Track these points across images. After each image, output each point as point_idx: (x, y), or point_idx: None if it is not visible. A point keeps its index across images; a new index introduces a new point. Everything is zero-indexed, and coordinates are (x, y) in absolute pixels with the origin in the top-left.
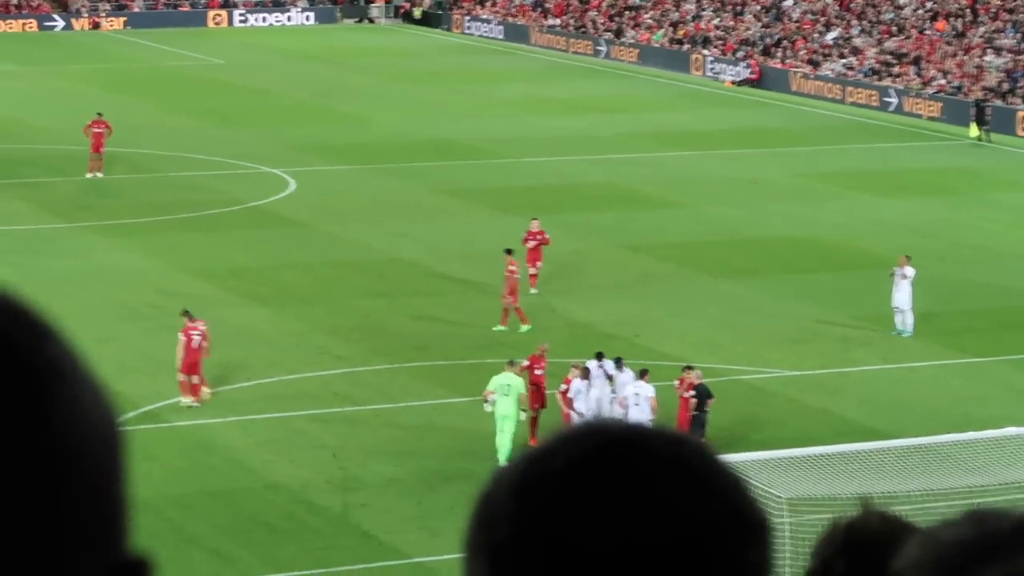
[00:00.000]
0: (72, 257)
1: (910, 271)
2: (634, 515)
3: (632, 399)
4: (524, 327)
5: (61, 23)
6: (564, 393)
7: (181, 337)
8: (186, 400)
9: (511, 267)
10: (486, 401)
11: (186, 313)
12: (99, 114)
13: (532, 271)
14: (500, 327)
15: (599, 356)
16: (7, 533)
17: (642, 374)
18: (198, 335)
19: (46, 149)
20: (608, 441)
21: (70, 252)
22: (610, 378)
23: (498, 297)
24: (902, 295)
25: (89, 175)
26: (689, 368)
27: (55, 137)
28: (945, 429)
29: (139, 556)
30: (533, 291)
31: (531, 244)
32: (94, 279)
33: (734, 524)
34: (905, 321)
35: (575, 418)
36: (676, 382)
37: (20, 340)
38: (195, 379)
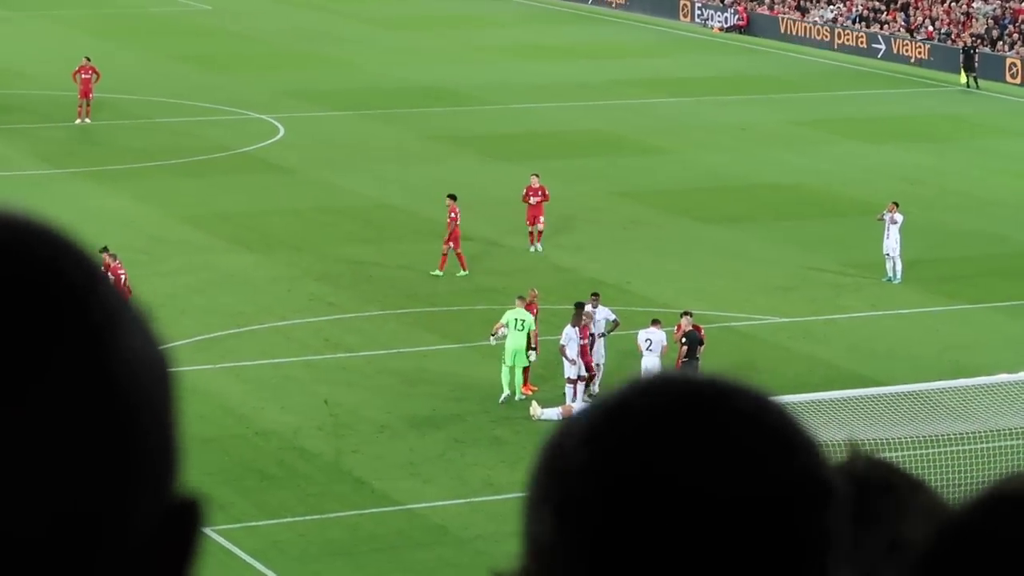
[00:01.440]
0: (61, 203)
1: (899, 217)
2: (715, 472)
3: (644, 344)
4: (461, 272)
5: None
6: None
7: (109, 277)
8: None
9: (453, 212)
10: (493, 335)
11: (105, 249)
12: (87, 59)
13: (531, 229)
14: (437, 272)
15: (594, 297)
16: (71, 474)
17: (654, 322)
18: (123, 274)
19: (34, 95)
20: (688, 392)
21: (59, 198)
22: (586, 316)
23: (486, 244)
24: (891, 242)
25: (78, 121)
26: (687, 314)
27: (43, 83)
28: (934, 376)
29: (192, 496)
30: (532, 248)
31: (533, 201)
32: (83, 225)
33: (813, 488)
34: (895, 268)
35: (567, 365)
36: (675, 328)
37: (78, 283)
38: None
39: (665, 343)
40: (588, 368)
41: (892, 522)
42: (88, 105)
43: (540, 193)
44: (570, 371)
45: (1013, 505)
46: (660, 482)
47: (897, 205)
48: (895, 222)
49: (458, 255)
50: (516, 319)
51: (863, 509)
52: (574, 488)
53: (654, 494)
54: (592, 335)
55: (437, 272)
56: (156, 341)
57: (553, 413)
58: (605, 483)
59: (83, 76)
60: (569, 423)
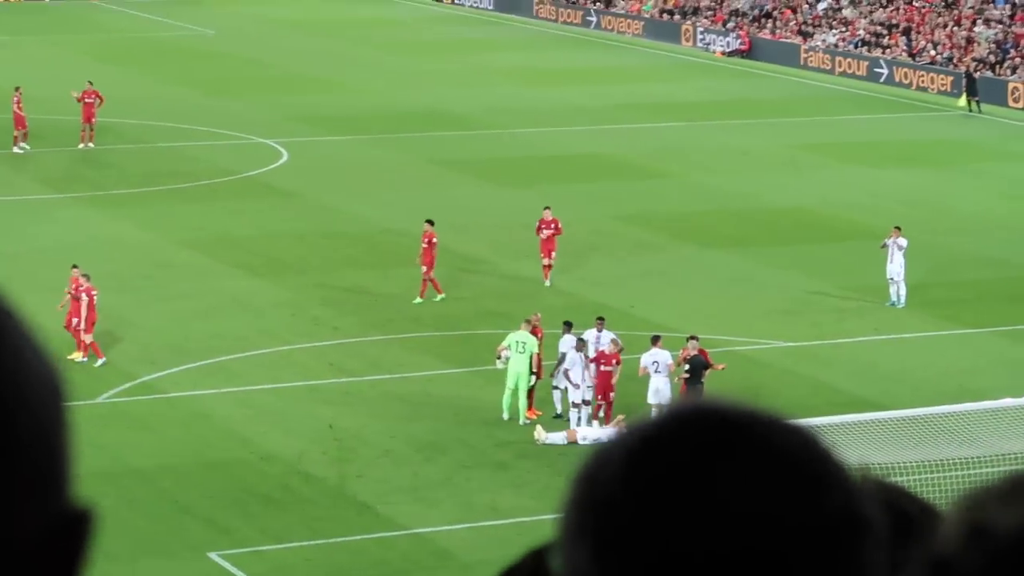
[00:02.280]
0: (64, 228)
1: (903, 241)
2: (753, 509)
3: (652, 367)
4: (438, 296)
5: None
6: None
7: (84, 297)
8: (100, 361)
9: (431, 238)
10: (499, 358)
11: (76, 267)
12: (89, 83)
13: (546, 262)
14: (419, 300)
15: (599, 321)
16: None
17: (654, 340)
18: (95, 294)
19: (37, 119)
20: (723, 426)
21: (62, 223)
22: (582, 342)
23: (489, 268)
24: (895, 266)
25: (81, 145)
26: (693, 338)
27: (46, 108)
28: (939, 400)
29: (82, 507)
30: (547, 283)
31: (545, 234)
32: (86, 250)
33: (850, 524)
34: (899, 292)
35: (572, 390)
36: (680, 351)
37: None
38: (90, 338)
39: (671, 362)
40: (605, 395)
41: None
42: (92, 130)
43: (553, 226)
44: (574, 395)
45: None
46: (697, 519)
47: (899, 229)
48: (900, 247)
49: (432, 280)
50: (518, 341)
51: None
52: (611, 521)
53: (691, 531)
54: (587, 357)
55: (419, 299)
56: (43, 356)
57: (558, 437)
58: (643, 518)
59: (86, 101)
60: (605, 454)
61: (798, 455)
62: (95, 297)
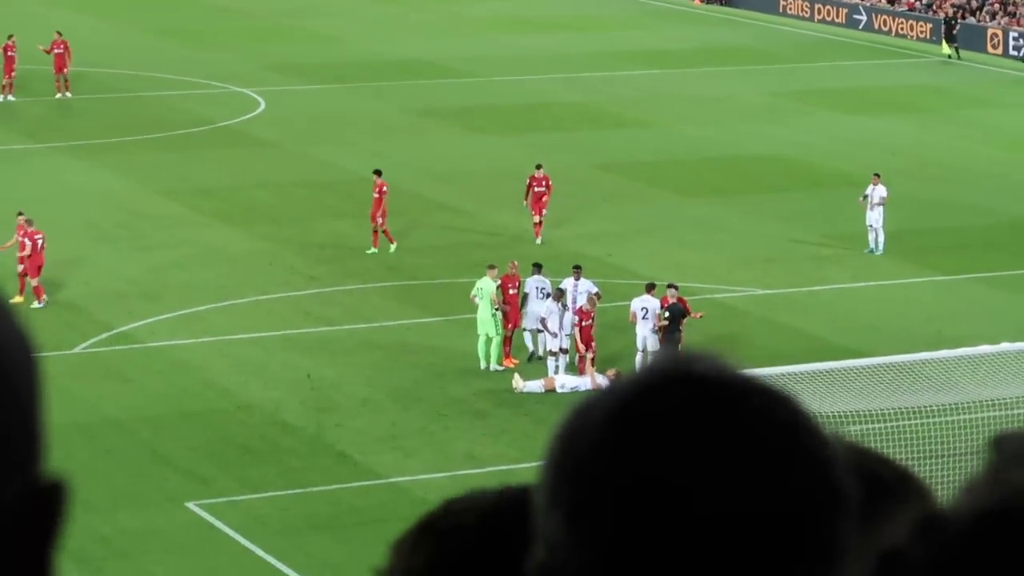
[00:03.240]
0: (41, 178)
1: (882, 189)
2: (730, 482)
3: (640, 312)
4: (392, 246)
5: None
6: (587, 328)
7: (26, 241)
8: (37, 303)
9: (382, 188)
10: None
11: (21, 214)
12: (58, 33)
13: (537, 219)
14: (372, 250)
15: (576, 270)
16: None
17: (649, 288)
18: (39, 239)
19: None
20: (701, 393)
21: (39, 173)
22: (561, 292)
23: (468, 216)
24: (874, 213)
25: (58, 95)
26: (672, 287)
27: (23, 57)
28: (917, 347)
29: (54, 479)
30: (538, 241)
31: (537, 190)
32: (64, 199)
33: (827, 496)
34: (877, 239)
35: (550, 338)
36: (660, 300)
37: None
38: (35, 282)
39: (658, 311)
40: (588, 345)
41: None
42: (66, 80)
43: (544, 184)
44: (552, 343)
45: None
46: (674, 492)
47: (879, 177)
48: (880, 196)
49: (384, 231)
50: (480, 289)
51: None
52: (586, 493)
53: (667, 504)
54: (566, 307)
55: (372, 250)
56: (16, 325)
57: (535, 386)
58: (617, 492)
59: (56, 51)
60: (581, 419)
61: (776, 425)
62: (39, 242)
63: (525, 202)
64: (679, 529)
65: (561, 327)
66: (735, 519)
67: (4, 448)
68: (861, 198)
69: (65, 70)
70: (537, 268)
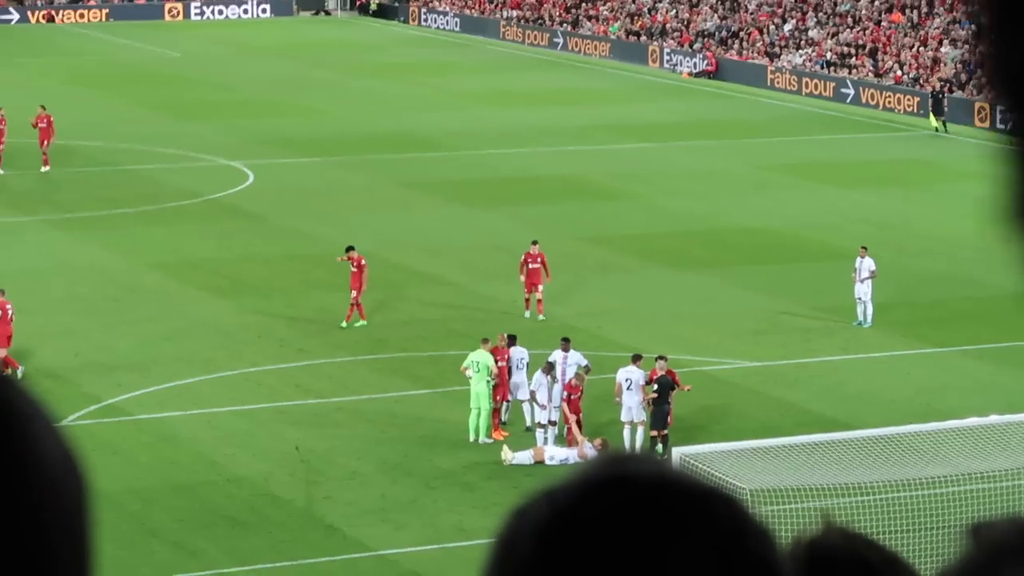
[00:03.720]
0: (30, 251)
1: (870, 262)
2: (663, 572)
3: (624, 383)
4: (360, 322)
5: (16, 16)
6: (575, 400)
7: None
8: (18, 372)
9: (360, 261)
10: (470, 378)
11: None
12: (41, 107)
13: (528, 296)
14: (345, 324)
15: (564, 342)
16: None
17: (635, 359)
18: (9, 309)
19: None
20: (636, 488)
21: (28, 246)
22: (551, 365)
23: (457, 289)
24: (863, 286)
25: (44, 168)
26: (661, 358)
27: (12, 131)
28: (907, 419)
29: None
30: (528, 314)
31: (533, 266)
32: (53, 272)
33: None
34: (866, 312)
35: (538, 411)
36: (650, 372)
37: None
38: (3, 352)
39: (643, 382)
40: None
41: None
42: (44, 153)
43: (539, 261)
44: (541, 415)
45: None
46: None
47: (866, 249)
48: (871, 269)
49: (357, 305)
50: (475, 362)
51: None
52: None
53: None
54: (555, 379)
55: (345, 324)
56: (67, 446)
57: (524, 457)
58: None
59: (40, 126)
60: (520, 517)
61: (710, 518)
62: (9, 311)
63: (521, 277)
64: None
65: (550, 399)
66: None
67: (51, 568)
68: (853, 272)
69: (45, 144)
70: (512, 339)
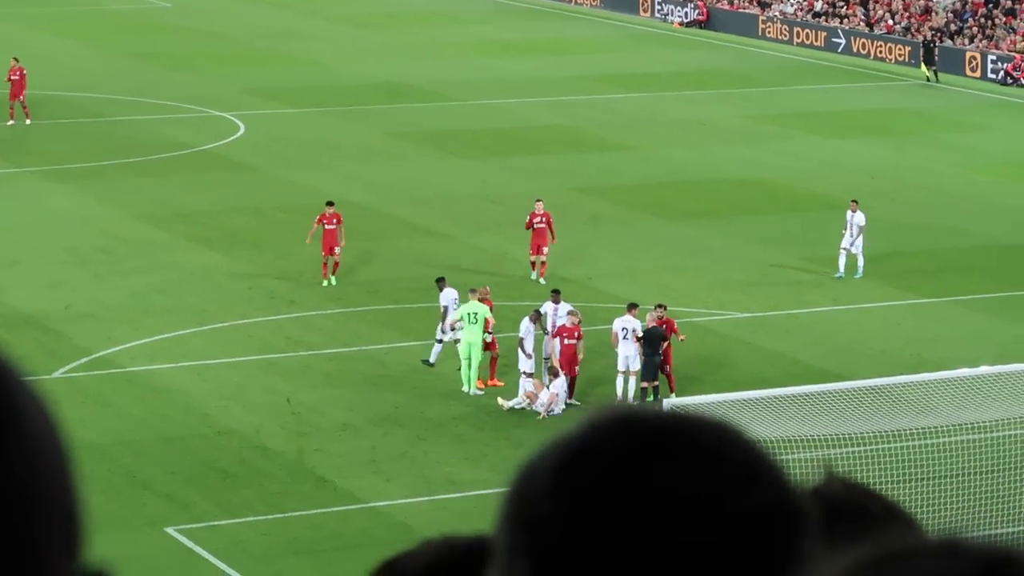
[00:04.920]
0: (21, 202)
1: (860, 216)
2: (682, 516)
3: (621, 333)
4: (330, 280)
5: None
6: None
7: None
8: None
9: (335, 219)
10: (454, 330)
11: None
12: (15, 59)
13: (540, 259)
14: (327, 280)
15: (555, 293)
16: None
17: (630, 308)
18: None
19: None
20: (648, 432)
21: (19, 197)
22: (538, 313)
23: (448, 240)
24: (852, 239)
25: (10, 122)
26: (660, 307)
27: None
28: (897, 370)
29: (98, 567)
30: (534, 276)
31: (539, 225)
32: (43, 224)
33: (779, 517)
34: (858, 263)
35: (523, 359)
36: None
37: None
38: None
39: (640, 331)
40: (571, 370)
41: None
42: (24, 106)
43: (544, 220)
44: (525, 364)
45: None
46: (628, 530)
47: (857, 203)
48: (860, 224)
49: (324, 264)
50: (469, 313)
51: (836, 533)
52: (543, 539)
53: (622, 543)
54: (546, 331)
55: (328, 281)
56: (53, 423)
57: (517, 402)
58: (574, 535)
59: (12, 78)
60: (531, 469)
61: (726, 451)
62: None
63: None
64: (636, 563)
65: (531, 350)
66: (691, 549)
67: (41, 542)
68: (845, 228)
69: (22, 96)
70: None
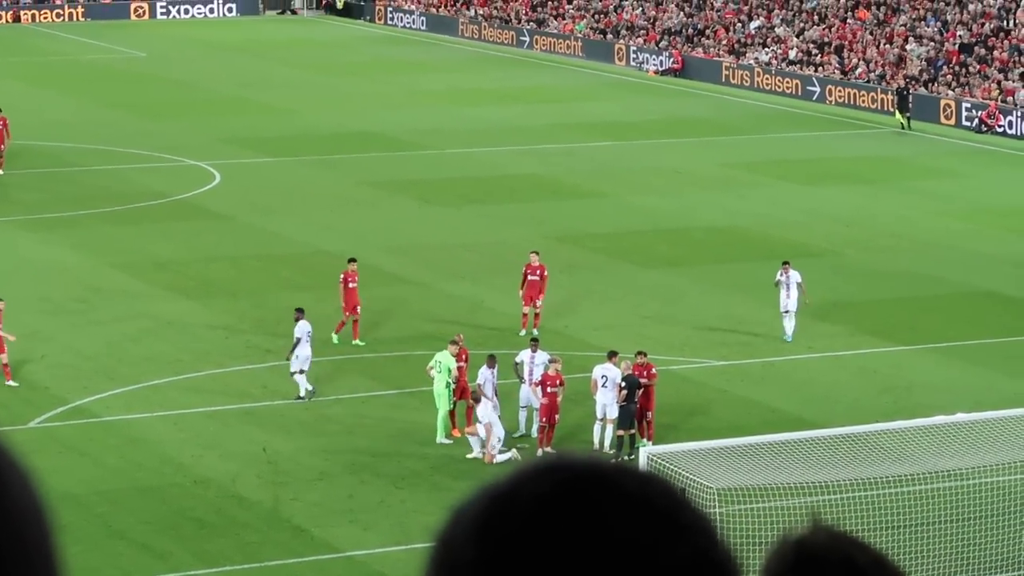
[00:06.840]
0: None
1: (795, 275)
2: (601, 564)
3: (600, 380)
4: (335, 337)
5: None
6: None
7: None
8: (11, 383)
9: (352, 277)
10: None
11: None
12: None
13: (534, 310)
14: (357, 342)
15: (533, 343)
16: None
17: (610, 356)
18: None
19: None
20: (572, 480)
21: None
22: (492, 357)
23: (424, 289)
24: (790, 300)
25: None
26: (640, 354)
27: None
28: (872, 418)
29: None
30: (524, 332)
31: (532, 278)
32: (18, 273)
33: (702, 567)
34: (791, 325)
35: (485, 405)
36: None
37: None
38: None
39: (619, 380)
40: (550, 418)
41: None
42: (1, 156)
43: (538, 273)
44: (481, 412)
45: None
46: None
47: (789, 264)
48: (798, 281)
49: (342, 322)
50: (438, 362)
51: None
52: None
53: None
54: (523, 380)
55: (356, 342)
56: (35, 492)
57: (477, 453)
58: None
59: None
60: (458, 515)
61: (651, 499)
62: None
63: (520, 292)
64: None
65: (495, 395)
66: None
67: None
68: (775, 283)
69: (2, 147)
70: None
